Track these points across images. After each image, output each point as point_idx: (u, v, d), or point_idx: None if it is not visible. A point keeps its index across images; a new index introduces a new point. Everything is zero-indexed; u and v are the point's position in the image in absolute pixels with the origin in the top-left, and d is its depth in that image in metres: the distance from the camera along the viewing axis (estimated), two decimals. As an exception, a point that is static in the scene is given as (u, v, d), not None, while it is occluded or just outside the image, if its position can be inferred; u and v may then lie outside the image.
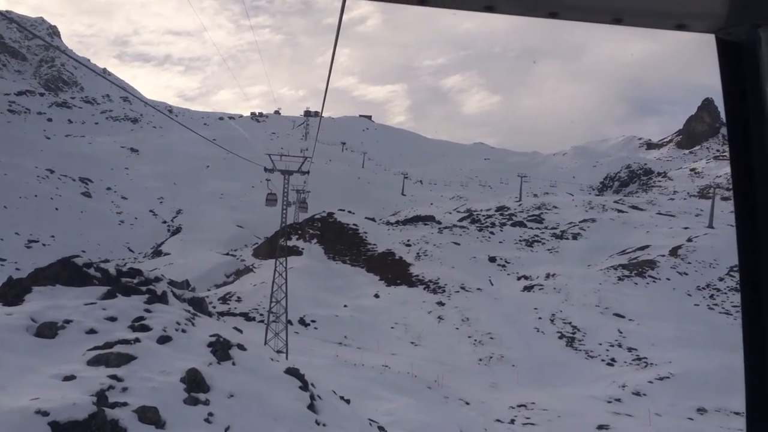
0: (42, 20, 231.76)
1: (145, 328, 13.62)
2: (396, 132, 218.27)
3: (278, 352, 33.68)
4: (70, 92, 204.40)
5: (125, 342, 12.49)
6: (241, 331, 19.74)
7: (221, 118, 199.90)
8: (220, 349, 13.81)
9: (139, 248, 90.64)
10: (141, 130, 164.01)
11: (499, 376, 40.97)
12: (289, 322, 37.59)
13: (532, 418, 31.23)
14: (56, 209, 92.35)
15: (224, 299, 55.88)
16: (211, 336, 14.45)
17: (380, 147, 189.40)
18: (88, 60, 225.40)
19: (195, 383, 11.72)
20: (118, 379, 10.95)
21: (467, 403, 34.26)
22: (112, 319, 13.84)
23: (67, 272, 15.81)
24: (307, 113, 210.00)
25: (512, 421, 31.09)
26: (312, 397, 13.95)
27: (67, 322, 13.06)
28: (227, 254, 78.70)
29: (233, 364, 13.58)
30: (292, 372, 14.40)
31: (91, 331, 13.01)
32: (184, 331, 14.40)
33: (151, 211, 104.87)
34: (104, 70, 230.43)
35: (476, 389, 37.18)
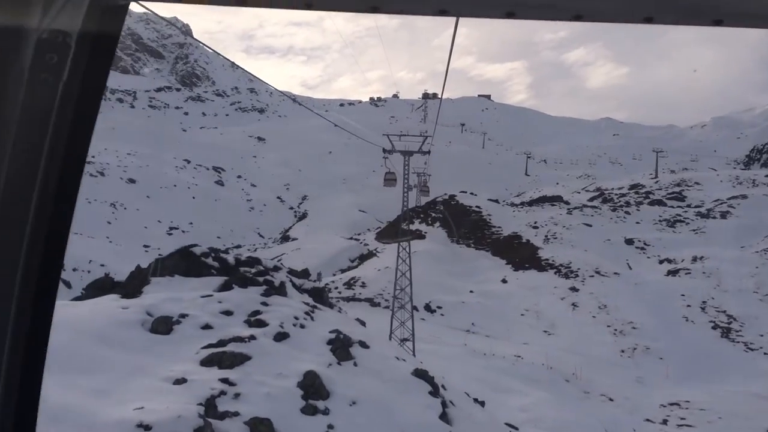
0: (176, 19, 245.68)
1: (261, 324, 12.57)
2: (516, 111, 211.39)
3: (404, 340, 32.52)
4: (203, 86, 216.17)
5: (240, 340, 11.47)
6: (364, 324, 18.47)
7: (342, 105, 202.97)
8: (341, 347, 12.51)
9: (268, 233, 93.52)
10: (267, 119, 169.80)
11: (644, 370, 37.46)
12: (414, 308, 36.35)
13: (688, 419, 27.91)
14: (193, 197, 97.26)
15: (349, 284, 55.78)
16: (331, 332, 13.20)
17: (500, 127, 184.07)
18: (218, 54, 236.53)
19: (313, 388, 10.44)
20: (231, 384, 9.87)
21: (611, 399, 31.41)
22: (228, 313, 12.93)
23: (186, 262, 15.20)
24: (426, 96, 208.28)
25: (665, 422, 27.95)
26: (444, 404, 12.33)
27: (183, 316, 12.26)
28: (351, 239, 79.11)
29: (355, 364, 12.24)
30: (421, 374, 12.86)
31: (206, 327, 12.13)
32: (302, 326, 13.25)
33: (278, 197, 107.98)
34: (232, 64, 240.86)
35: (620, 384, 34.12)
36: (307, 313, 14.16)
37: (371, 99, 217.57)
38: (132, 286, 13.76)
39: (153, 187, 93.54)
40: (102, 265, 53.58)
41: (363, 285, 54.70)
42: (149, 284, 13.88)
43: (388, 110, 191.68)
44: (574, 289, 51.63)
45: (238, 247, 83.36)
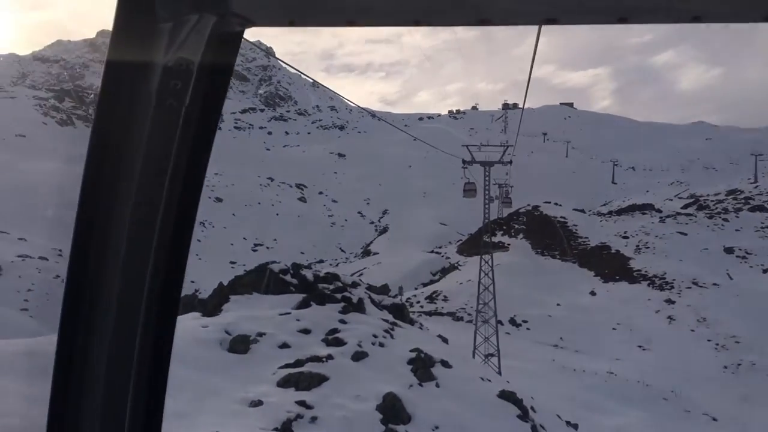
0: (260, 43, 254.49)
1: (339, 342, 12.20)
2: (601, 117, 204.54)
3: (488, 356, 31.54)
4: (285, 106, 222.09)
5: (317, 359, 11.12)
6: (446, 341, 17.80)
7: (421, 119, 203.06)
8: (422, 367, 11.95)
9: (350, 248, 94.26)
10: (347, 136, 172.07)
11: (752, 388, 34.65)
12: (499, 322, 35.26)
13: (803, 444, 25.45)
14: (277, 214, 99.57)
15: (431, 298, 55.05)
16: (411, 351, 12.66)
17: (584, 135, 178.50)
18: (299, 75, 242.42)
19: (393, 412, 9.93)
20: (307, 406, 9.50)
21: (714, 419, 29.18)
22: (306, 331, 12.65)
23: (265, 280, 15.09)
24: (506, 106, 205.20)
25: (777, 446, 25.61)
26: (534, 429, 11.52)
27: (261, 335, 12.07)
28: (432, 252, 78.39)
29: (437, 386, 11.63)
30: (508, 396, 12.10)
31: (284, 345, 11.89)
32: (381, 345, 12.79)
33: (359, 212, 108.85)
34: (313, 83, 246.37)
35: (723, 402, 31.67)
36: (386, 331, 13.70)
37: (450, 112, 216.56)
38: (212, 303, 13.75)
39: (239, 205, 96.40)
40: (192, 282, 55.34)
41: (445, 299, 53.85)
42: (228, 302, 13.82)
43: (468, 122, 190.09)
44: (670, 302, 48.78)
45: (321, 262, 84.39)
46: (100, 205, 1.49)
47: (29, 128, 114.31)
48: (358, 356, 11.79)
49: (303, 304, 14.11)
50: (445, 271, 67.59)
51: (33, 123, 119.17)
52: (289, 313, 13.42)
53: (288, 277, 15.44)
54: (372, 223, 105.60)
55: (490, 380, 14.02)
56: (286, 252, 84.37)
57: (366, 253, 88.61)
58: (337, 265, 79.93)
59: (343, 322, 13.40)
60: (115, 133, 1.46)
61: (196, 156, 1.54)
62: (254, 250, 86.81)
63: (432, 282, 64.16)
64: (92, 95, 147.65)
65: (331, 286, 15.58)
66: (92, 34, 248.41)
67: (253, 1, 1.37)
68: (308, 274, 16.20)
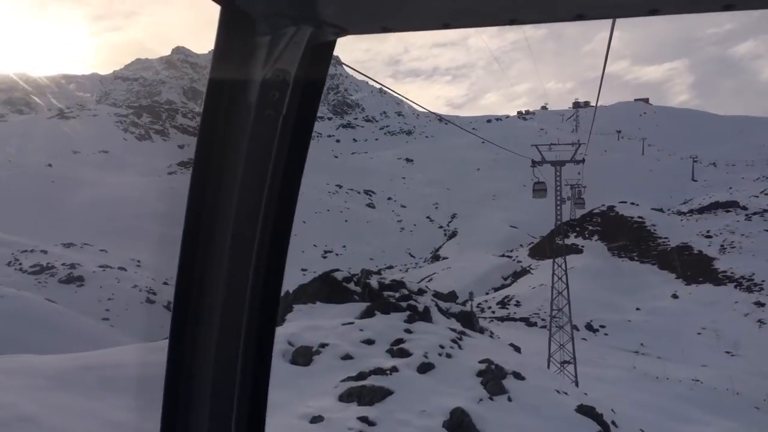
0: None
1: (404, 354, 11.67)
2: (678, 112, 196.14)
3: (564, 363, 30.25)
4: (353, 114, 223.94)
5: (381, 372, 10.63)
6: (518, 350, 16.97)
7: (489, 121, 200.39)
8: (493, 379, 11.26)
9: (419, 253, 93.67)
10: (414, 141, 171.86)
11: None
12: (574, 327, 33.86)
13: None
14: (345, 221, 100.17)
15: (502, 303, 53.80)
16: (481, 362, 11.99)
17: (661, 131, 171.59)
18: (366, 83, 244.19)
19: (461, 428, 9.32)
20: (370, 423, 9.02)
21: (815, 433, 26.89)
22: (369, 341, 12.19)
23: (328, 288, 14.77)
24: (576, 104, 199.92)
25: None
26: (615, 447, 10.64)
27: (323, 345, 11.70)
28: (503, 256, 76.81)
29: (509, 399, 10.92)
30: (587, 411, 11.24)
31: (347, 357, 11.46)
32: (448, 355, 12.18)
33: (427, 217, 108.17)
34: (380, 90, 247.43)
35: (825, 414, 29.24)
36: (454, 341, 13.08)
37: (519, 113, 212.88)
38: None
39: (308, 213, 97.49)
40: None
41: (517, 304, 52.48)
42: (292, 311, 13.55)
43: (537, 123, 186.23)
44: (759, 304, 45.81)
45: (390, 267, 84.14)
46: (204, 214, 1.55)
47: (111, 144, 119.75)
48: (424, 368, 11.23)
49: (367, 314, 13.67)
50: (516, 275, 66.05)
51: (114, 139, 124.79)
52: (352, 323, 13.00)
53: (352, 285, 15.05)
54: (441, 227, 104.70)
55: (566, 393, 13.15)
56: (356, 258, 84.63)
57: (435, 258, 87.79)
58: (406, 271, 79.51)
59: (408, 331, 12.87)
60: (218, 145, 1.51)
61: (293, 163, 1.59)
62: (324, 257, 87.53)
63: (503, 286, 62.76)
64: (167, 110, 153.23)
65: (397, 294, 15.09)
66: (168, 52, 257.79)
67: (348, 10, 1.39)
68: (373, 282, 15.77)
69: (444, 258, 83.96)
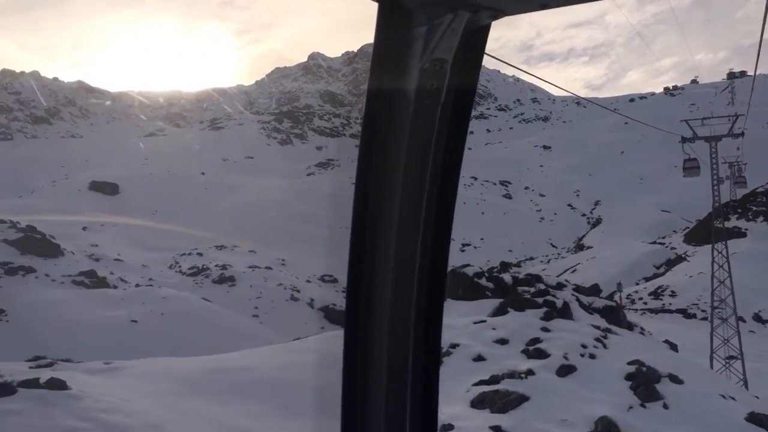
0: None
1: (541, 354, 10.76)
2: None
3: (729, 359, 27.36)
4: (485, 104, 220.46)
5: (515, 375, 9.82)
6: (675, 348, 15.30)
7: (632, 100, 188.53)
8: (644, 383, 10.04)
9: (561, 243, 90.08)
10: (552, 127, 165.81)
11: None
12: (740, 319, 30.55)
13: None
14: (482, 213, 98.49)
15: (655, 294, 50.07)
16: (629, 363, 10.78)
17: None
18: (498, 71, 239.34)
19: (608, 440, 8.30)
20: (503, 432, 8.27)
21: None
22: (503, 341, 11.39)
23: (458, 284, 14.11)
24: (731, 75, 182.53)
25: None
26: (799, 466, 9.05)
27: (454, 346, 11.09)
28: (654, 243, 71.68)
29: (665, 406, 9.67)
30: (760, 420, 9.69)
31: (479, 358, 10.76)
32: (592, 356, 11.07)
33: (569, 205, 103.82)
34: (514, 77, 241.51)
35: None
36: (598, 339, 11.92)
37: (666, 89, 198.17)
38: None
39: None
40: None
41: (673, 294, 48.60)
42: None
43: (686, 98, 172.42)
44: None
45: (531, 259, 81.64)
46: (369, 206, 1.60)
47: (256, 150, 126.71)
48: (564, 371, 10.25)
49: (500, 311, 12.86)
50: (670, 264, 61.27)
51: (258, 145, 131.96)
52: (484, 321, 12.26)
53: (483, 281, 14.29)
54: (584, 215, 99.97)
55: (734, 398, 11.54)
56: (494, 251, 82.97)
57: (579, 247, 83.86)
58: (548, 262, 76.71)
59: (545, 330, 11.90)
60: (380, 138, 1.55)
61: (452, 152, 1.60)
62: (462, 251, 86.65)
63: (656, 276, 58.43)
64: (306, 114, 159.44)
65: (532, 289, 14.11)
66: (304, 58, 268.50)
67: None
68: (506, 277, 14.89)
69: (588, 247, 79.96)
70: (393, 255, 1.62)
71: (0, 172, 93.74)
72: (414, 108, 1.50)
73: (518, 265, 73.34)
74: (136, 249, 57.61)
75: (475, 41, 1.50)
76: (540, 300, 13.21)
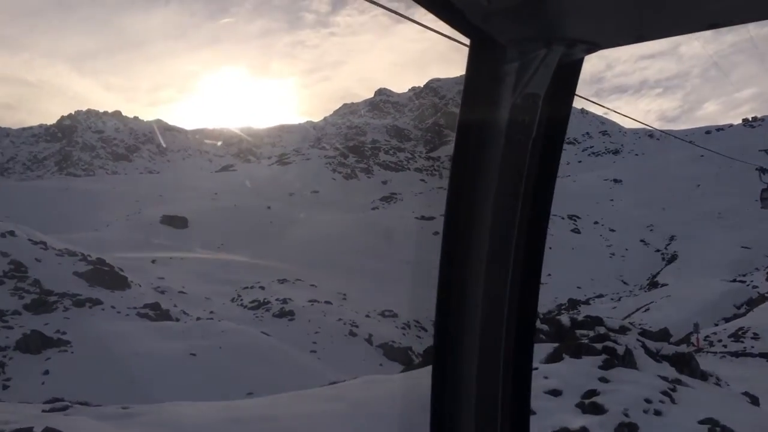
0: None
1: (598, 409, 9.62)
2: None
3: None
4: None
5: (567, 433, 8.76)
6: (756, 401, 13.67)
7: (708, 132, 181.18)
8: (719, 447, 8.78)
9: (633, 280, 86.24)
10: (622, 160, 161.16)
11: None
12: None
13: None
14: (550, 248, 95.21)
15: (736, 336, 46.61)
16: (701, 422, 9.50)
17: None
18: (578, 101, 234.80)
19: None
20: (549, 502, 7.23)
21: None
22: (555, 392, 10.31)
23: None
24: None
25: None
26: None
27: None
28: (734, 281, 67.42)
29: (743, 476, 8.38)
30: None
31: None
32: (657, 412, 9.84)
33: (641, 240, 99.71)
34: (582, 110, 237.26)
35: None
36: (665, 393, 10.65)
37: (744, 120, 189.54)
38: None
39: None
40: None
41: (755, 337, 45.07)
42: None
43: (767, 130, 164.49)
44: None
45: (600, 297, 78.40)
46: (459, 238, 1.60)
47: (321, 184, 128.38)
48: (624, 429, 9.11)
49: (554, 357, 11.77)
50: (752, 303, 57.21)
51: (324, 179, 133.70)
52: (536, 368, 11.21)
53: (537, 323, 13.21)
54: (658, 251, 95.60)
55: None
56: (562, 287, 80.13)
57: (653, 284, 79.91)
58: (618, 300, 73.39)
59: (604, 380, 10.73)
60: (470, 172, 1.55)
61: (543, 187, 1.60)
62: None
63: (736, 316, 54.58)
64: (371, 148, 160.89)
65: (591, 333, 12.92)
66: (371, 94, 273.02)
67: (602, 24, 1.37)
68: (563, 319, 13.75)
69: (663, 285, 76.06)
70: (482, 291, 1.58)
71: (79, 207, 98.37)
72: (505, 142, 1.49)
73: (587, 302, 70.52)
74: (201, 282, 58.54)
75: (568, 75, 1.47)
76: (599, 346, 12.02)
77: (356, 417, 8.90)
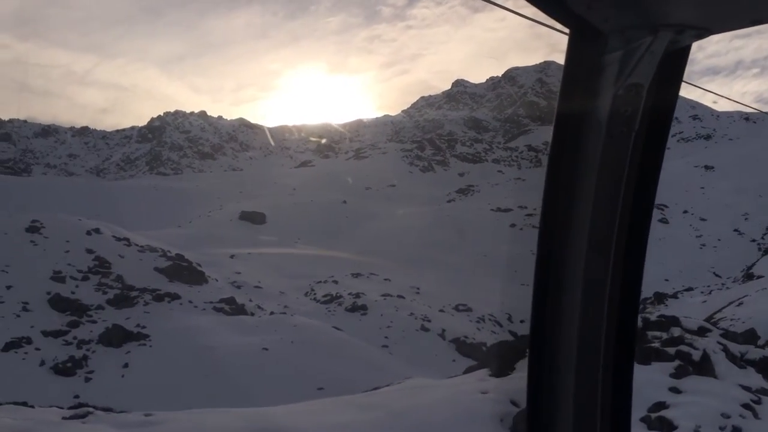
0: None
1: (666, 425, 8.48)
2: None
3: None
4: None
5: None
6: None
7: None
8: (809, 475, 7.49)
9: (726, 272, 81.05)
10: (715, 145, 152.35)
11: None
12: None
13: None
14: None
15: None
16: (790, 442, 8.19)
17: None
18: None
19: None
20: None
21: None
22: (617, 404, 9.19)
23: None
24: None
25: None
26: None
27: (553, 406, 9.08)
28: (843, 274, 62.00)
29: None
30: None
31: (584, 425, 8.67)
32: (736, 429, 8.59)
33: (735, 230, 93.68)
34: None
35: None
36: (746, 406, 9.32)
37: None
38: (505, 359, 11.21)
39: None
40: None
41: None
42: (526, 357, 11.10)
43: None
44: None
45: (689, 290, 74.10)
46: (556, 234, 1.56)
47: (398, 178, 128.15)
48: (696, 449, 7.98)
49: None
50: None
51: (401, 173, 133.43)
52: (597, 376, 10.13)
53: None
54: (753, 241, 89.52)
55: None
56: (649, 280, 76.25)
57: (747, 276, 74.60)
58: (709, 293, 69.07)
59: (675, 390, 9.52)
60: (567, 165, 1.51)
61: (646, 181, 1.53)
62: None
63: None
64: (448, 140, 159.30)
65: (665, 335, 11.63)
66: (448, 86, 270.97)
67: (714, 8, 1.32)
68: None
69: (759, 277, 70.89)
70: (580, 292, 1.52)
71: (165, 204, 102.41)
72: (605, 135, 1.43)
73: (675, 296, 66.75)
74: (276, 276, 59.38)
75: (674, 64, 1.41)
76: (672, 350, 10.73)
77: (393, 428, 8.20)
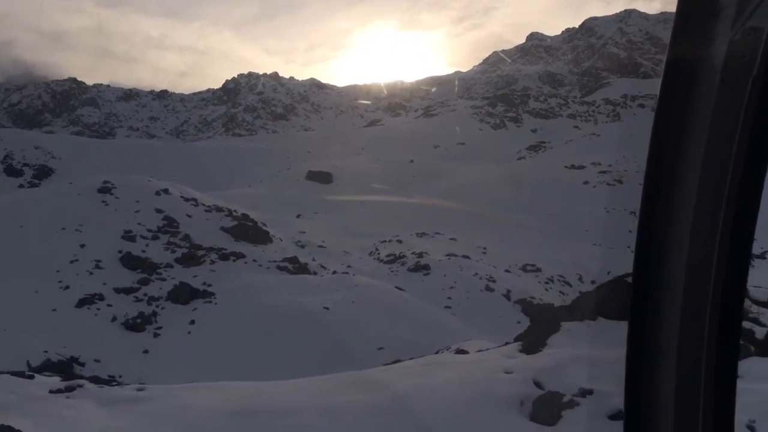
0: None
1: None
2: None
3: None
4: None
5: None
6: None
7: None
8: None
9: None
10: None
11: None
12: None
13: None
14: None
15: None
16: None
17: None
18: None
19: None
20: None
21: None
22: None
23: (619, 299, 10.76)
24: None
25: None
26: None
27: (585, 393, 8.06)
28: None
29: None
30: None
31: (618, 415, 7.64)
32: (801, 426, 7.30)
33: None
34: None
35: None
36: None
37: None
38: (535, 333, 10.18)
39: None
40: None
41: None
42: (557, 332, 10.05)
43: None
44: None
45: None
46: (662, 189, 1.51)
47: (467, 136, 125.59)
48: (747, 448, 6.79)
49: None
50: None
51: (471, 131, 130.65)
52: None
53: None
54: None
55: None
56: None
57: None
58: None
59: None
60: (677, 119, 1.47)
61: (763, 130, 1.43)
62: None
63: None
64: (521, 96, 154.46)
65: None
66: (523, 40, 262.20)
67: None
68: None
69: None
70: (686, 251, 1.46)
71: (237, 165, 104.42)
72: (720, 82, 1.36)
73: (762, 256, 62.45)
74: (341, 236, 59.43)
75: None
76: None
77: (389, 413, 7.41)
